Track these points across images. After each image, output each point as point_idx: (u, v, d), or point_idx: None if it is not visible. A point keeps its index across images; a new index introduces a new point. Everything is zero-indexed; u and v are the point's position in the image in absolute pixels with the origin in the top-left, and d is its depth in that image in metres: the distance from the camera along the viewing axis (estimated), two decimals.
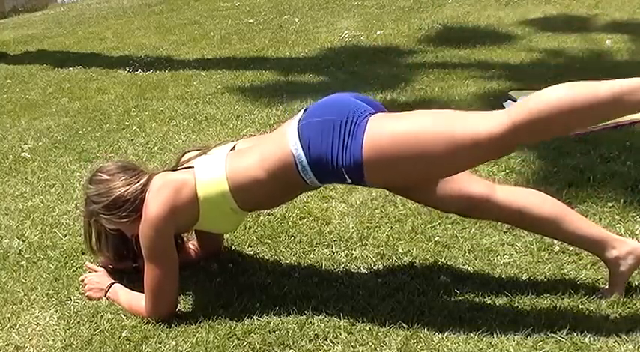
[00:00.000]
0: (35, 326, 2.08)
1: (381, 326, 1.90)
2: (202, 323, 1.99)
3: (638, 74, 1.72)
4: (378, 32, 5.33)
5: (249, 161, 1.97)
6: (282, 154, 1.90)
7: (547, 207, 1.96)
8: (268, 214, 2.57)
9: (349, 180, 1.88)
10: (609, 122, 3.14)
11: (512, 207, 1.95)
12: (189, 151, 2.17)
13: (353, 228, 2.45)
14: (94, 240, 2.19)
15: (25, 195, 3.01)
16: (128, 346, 1.93)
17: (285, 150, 1.89)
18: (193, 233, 2.35)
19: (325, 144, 1.84)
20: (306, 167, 1.87)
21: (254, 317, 1.99)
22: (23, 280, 2.32)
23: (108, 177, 2.08)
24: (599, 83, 1.71)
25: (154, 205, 1.96)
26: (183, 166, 2.07)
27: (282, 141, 1.91)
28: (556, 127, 1.78)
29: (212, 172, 1.99)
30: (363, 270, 2.21)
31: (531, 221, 1.96)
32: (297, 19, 6.06)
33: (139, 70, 4.92)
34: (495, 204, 1.95)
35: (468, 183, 1.98)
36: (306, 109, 1.97)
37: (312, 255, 2.31)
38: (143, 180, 2.05)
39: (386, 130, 1.81)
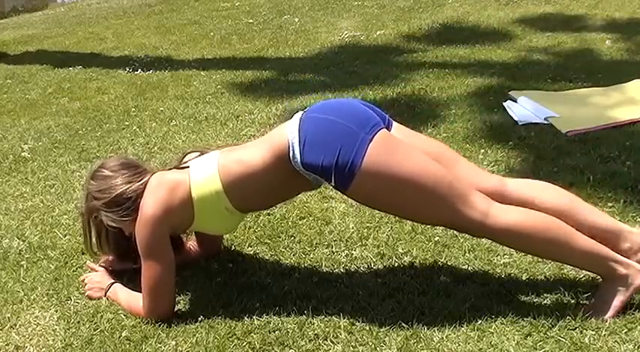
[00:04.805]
0: (35, 326, 2.08)
1: (381, 326, 1.90)
2: (202, 323, 1.99)
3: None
4: (378, 32, 5.33)
5: (242, 152, 1.99)
6: (278, 141, 1.91)
7: (560, 196, 1.96)
8: (268, 214, 2.57)
9: (332, 184, 1.90)
10: (609, 122, 3.15)
11: (526, 198, 1.94)
12: (190, 152, 2.17)
13: (353, 228, 2.45)
14: (93, 238, 2.18)
15: (25, 195, 3.01)
16: (128, 346, 1.93)
17: (282, 137, 1.90)
18: (193, 233, 2.35)
19: (325, 144, 1.84)
20: (297, 157, 1.87)
21: (254, 317, 1.99)
22: (23, 280, 2.32)
23: (110, 174, 2.08)
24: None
25: (149, 204, 1.97)
26: (180, 166, 2.08)
27: (280, 130, 1.94)
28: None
29: (205, 171, 1.99)
30: (363, 270, 2.21)
31: (546, 211, 1.92)
32: (297, 19, 6.05)
33: (139, 70, 4.91)
34: (509, 197, 1.94)
35: (479, 177, 1.99)
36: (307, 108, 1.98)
37: (312, 255, 2.31)
38: (145, 179, 2.05)
39: (387, 169, 1.83)
